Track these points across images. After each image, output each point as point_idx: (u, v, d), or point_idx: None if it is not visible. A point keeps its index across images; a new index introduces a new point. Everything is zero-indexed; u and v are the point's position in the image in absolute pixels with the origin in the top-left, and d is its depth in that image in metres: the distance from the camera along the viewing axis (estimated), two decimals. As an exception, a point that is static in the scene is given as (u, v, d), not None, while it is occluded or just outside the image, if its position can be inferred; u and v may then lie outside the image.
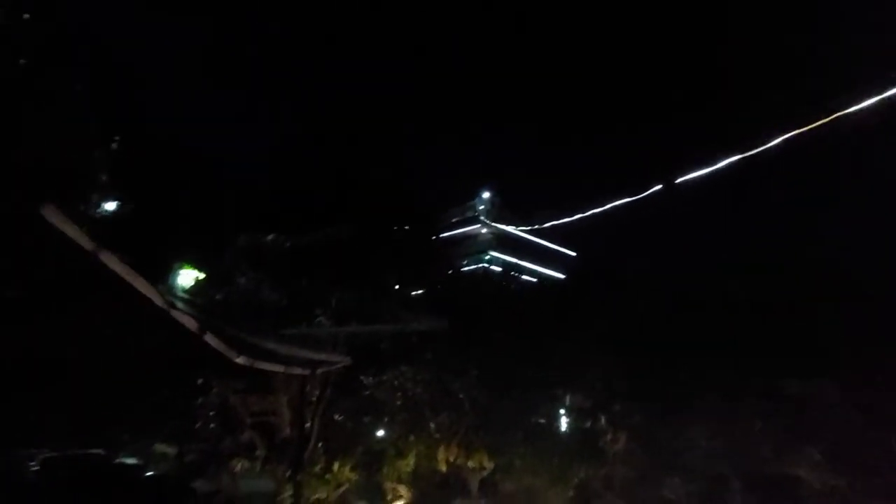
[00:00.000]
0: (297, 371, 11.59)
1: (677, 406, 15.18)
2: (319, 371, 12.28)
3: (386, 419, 16.40)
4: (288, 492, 13.92)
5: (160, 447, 27.53)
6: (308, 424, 13.96)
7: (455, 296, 19.36)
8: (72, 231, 3.99)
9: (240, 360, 7.37)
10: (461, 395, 15.14)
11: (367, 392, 16.66)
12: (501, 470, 15.92)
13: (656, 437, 15.57)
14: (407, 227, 17.27)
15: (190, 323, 5.84)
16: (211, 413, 16.24)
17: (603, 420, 15.78)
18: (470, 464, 14.90)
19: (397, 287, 15.89)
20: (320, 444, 14.39)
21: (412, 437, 14.20)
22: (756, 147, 20.98)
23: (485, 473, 18.18)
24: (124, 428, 23.05)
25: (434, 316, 14.24)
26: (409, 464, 13.80)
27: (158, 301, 5.30)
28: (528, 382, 15.00)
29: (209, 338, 6.21)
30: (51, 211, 3.75)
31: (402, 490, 19.99)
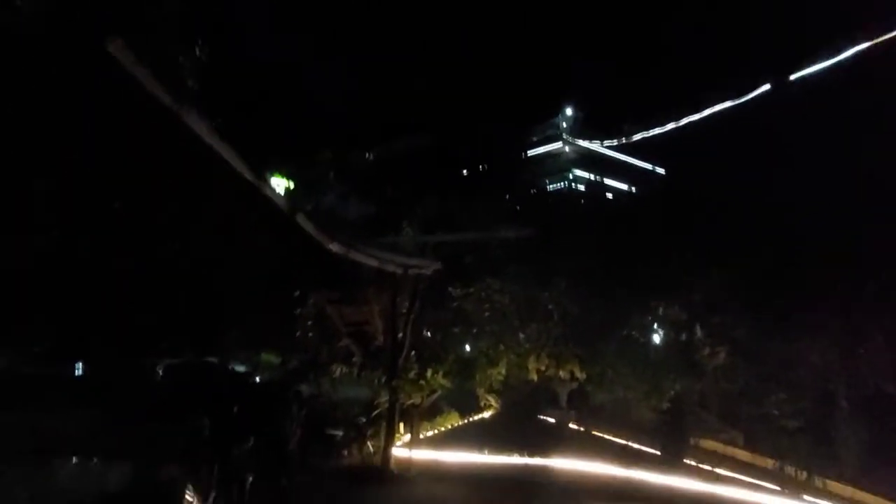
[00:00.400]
0: (391, 268, 11.72)
1: (786, 319, 14.19)
2: (411, 271, 12.34)
3: (474, 330, 16.50)
4: (384, 396, 14.55)
5: (266, 356, 29.79)
6: (400, 334, 14.28)
7: (541, 208, 18.74)
8: (148, 81, 3.80)
9: (333, 246, 7.34)
10: (550, 307, 14.89)
11: (455, 304, 16.76)
12: (593, 381, 15.79)
13: (761, 351, 14.74)
14: (490, 139, 16.63)
15: (279, 199, 5.72)
16: (309, 323, 17.06)
17: (700, 333, 15.10)
18: (561, 374, 14.85)
19: (483, 199, 15.52)
20: (413, 353, 14.77)
21: (502, 347, 14.26)
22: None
23: (574, 385, 18.15)
24: (234, 339, 24.95)
25: (520, 226, 13.85)
26: (500, 372, 13.92)
27: (247, 174, 5.19)
28: (621, 295, 14.47)
29: (301, 220, 6.12)
30: (118, 47, 3.52)
31: (492, 399, 20.49)
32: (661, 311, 15.17)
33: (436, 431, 17.04)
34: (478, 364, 13.87)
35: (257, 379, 26.00)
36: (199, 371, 27.40)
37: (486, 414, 20.95)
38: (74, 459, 6.91)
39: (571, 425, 17.93)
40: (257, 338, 22.82)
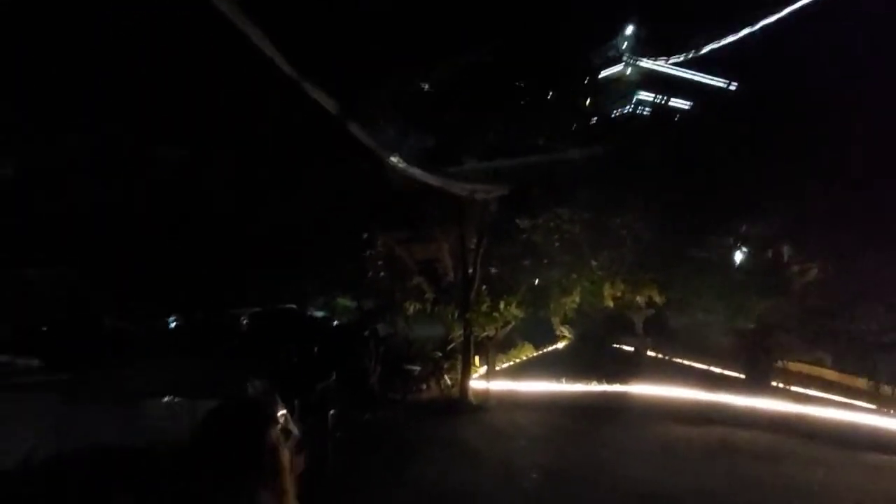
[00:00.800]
0: (455, 189, 11.55)
1: (885, 231, 13.02)
2: (478, 195, 12.12)
3: (545, 262, 16.21)
4: (458, 331, 14.74)
5: (342, 301, 30.89)
6: (470, 269, 14.25)
7: (609, 131, 17.83)
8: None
9: (394, 159, 7.22)
10: (623, 232, 14.33)
11: (524, 236, 16.46)
12: (672, 306, 15.29)
13: (855, 265, 13.70)
14: (550, 60, 15.75)
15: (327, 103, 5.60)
16: (379, 263, 17.39)
17: (788, 249, 14.17)
18: (638, 300, 14.45)
19: (547, 124, 14.88)
20: (484, 287, 14.77)
21: (574, 276, 13.97)
22: None
23: (651, 312, 17.69)
24: (311, 287, 25.89)
25: (589, 147, 13.20)
26: (573, 301, 13.70)
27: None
28: (698, 215, 13.69)
29: (355, 129, 5.98)
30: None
31: (566, 330, 20.40)
32: (743, 228, 14.29)
33: (511, 363, 17.23)
34: (551, 293, 13.68)
35: (335, 322, 27.13)
36: (281, 317, 28.83)
37: (560, 345, 20.94)
38: (167, 399, 7.44)
39: (649, 353, 17.62)
40: (333, 284, 23.64)
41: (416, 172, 9.76)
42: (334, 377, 10.42)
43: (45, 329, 30.44)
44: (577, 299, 13.64)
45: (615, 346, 19.31)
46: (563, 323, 14.06)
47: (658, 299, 13.99)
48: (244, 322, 29.40)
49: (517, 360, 17.70)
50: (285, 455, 1.57)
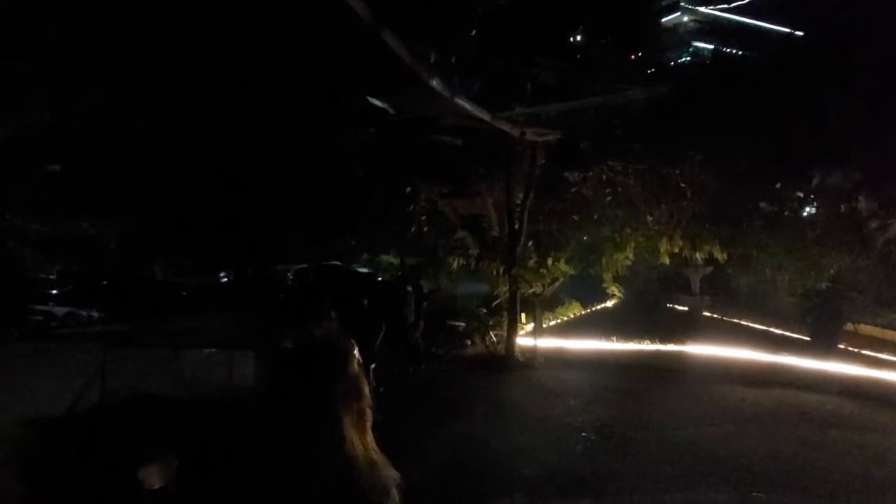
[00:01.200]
0: (505, 127, 10.90)
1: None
2: (529, 136, 11.40)
3: (595, 217, 15.43)
4: (503, 287, 14.24)
5: (386, 257, 30.87)
6: (517, 224, 13.62)
7: (669, 76, 16.60)
8: None
9: (434, 83, 6.59)
10: (682, 184, 13.38)
11: (573, 190, 15.67)
12: (734, 263, 14.32)
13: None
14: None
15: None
16: (423, 218, 16.96)
17: (866, 203, 12.94)
18: (697, 256, 13.57)
19: (602, 70, 13.87)
20: (530, 244, 14.16)
21: (628, 231, 13.19)
22: None
23: (709, 270, 16.76)
24: (355, 244, 25.83)
25: (645, 87, 12.17)
26: (626, 257, 12.94)
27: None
28: (767, 165, 12.59)
29: (388, 37, 5.39)
30: None
31: (616, 289, 19.65)
32: (817, 180, 13.10)
33: (558, 321, 16.69)
34: (603, 248, 12.97)
35: (379, 278, 27.13)
36: (325, 272, 29.05)
37: (609, 303, 20.25)
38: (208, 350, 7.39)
39: (705, 313, 16.75)
40: (377, 240, 23.44)
41: (464, 103, 9.12)
42: (383, 332, 10.12)
43: (104, 283, 31.56)
44: (631, 255, 12.87)
45: (669, 305, 18.48)
46: (614, 281, 13.32)
47: (720, 256, 13.08)
48: (290, 277, 29.88)
49: (564, 319, 17.14)
50: (365, 385, 1.59)
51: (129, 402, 6.20)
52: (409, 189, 17.80)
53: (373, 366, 7.98)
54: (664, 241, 12.65)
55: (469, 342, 13.98)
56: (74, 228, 22.29)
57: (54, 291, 30.49)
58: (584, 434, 8.02)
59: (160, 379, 6.68)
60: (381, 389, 8.32)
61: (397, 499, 1.58)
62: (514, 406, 9.47)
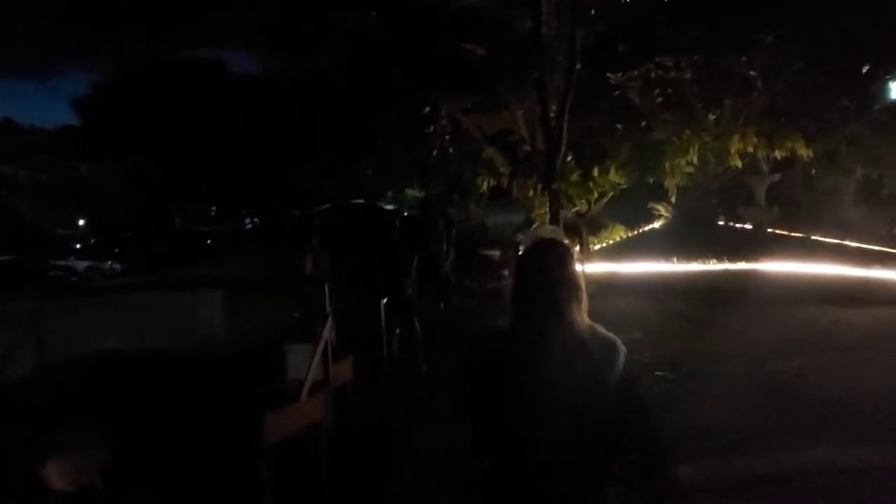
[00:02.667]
0: None
1: None
2: None
3: (643, 124, 13.40)
4: (541, 208, 12.53)
5: (410, 192, 29.28)
6: (553, 135, 11.72)
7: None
8: None
9: None
10: (752, 73, 11.19)
11: (617, 93, 13.63)
12: (820, 162, 12.21)
13: None
14: None
15: None
16: (446, 138, 15.15)
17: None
18: (777, 153, 11.47)
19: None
20: (569, 159, 12.28)
21: (687, 132, 11.19)
22: None
23: (776, 177, 14.67)
24: (375, 173, 24.22)
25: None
26: (689, 161, 10.90)
27: None
28: (858, 40, 10.34)
29: None
30: None
31: (663, 208, 17.69)
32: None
33: (603, 245, 14.95)
34: (665, 150, 10.95)
35: (405, 213, 25.59)
36: (349, 211, 27.66)
37: (657, 224, 18.41)
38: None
39: (773, 228, 14.64)
40: (399, 174, 21.77)
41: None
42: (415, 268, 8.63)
43: (126, 235, 30.83)
44: (695, 159, 10.87)
45: (729, 222, 16.44)
46: (673, 189, 11.32)
47: (805, 152, 11.00)
48: (316, 217, 28.76)
49: (610, 242, 15.38)
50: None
51: (77, 363, 5.03)
52: (428, 108, 15.93)
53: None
54: (735, 139, 10.57)
55: (505, 272, 12.42)
56: (72, 174, 21.15)
57: (77, 245, 30.02)
58: (658, 373, 6.48)
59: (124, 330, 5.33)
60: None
61: None
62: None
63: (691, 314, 8.86)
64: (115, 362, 5.15)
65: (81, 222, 33.03)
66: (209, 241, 31.07)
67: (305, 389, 3.39)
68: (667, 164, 10.73)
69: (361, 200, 28.63)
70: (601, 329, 1.75)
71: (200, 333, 5.86)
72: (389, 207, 29.00)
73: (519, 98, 14.35)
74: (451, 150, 15.18)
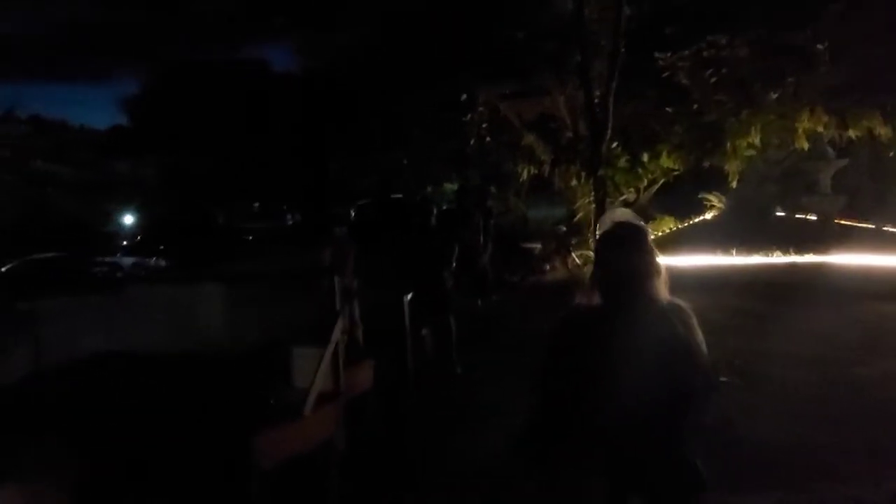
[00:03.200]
0: None
1: None
2: None
3: (695, 107, 12.45)
4: (585, 198, 11.76)
5: (449, 186, 28.75)
6: (598, 118, 10.93)
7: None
8: None
9: None
10: (819, 46, 10.15)
11: (666, 75, 12.72)
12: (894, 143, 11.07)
13: None
14: None
15: None
16: (483, 126, 14.50)
17: None
18: (852, 133, 10.35)
19: None
20: (615, 145, 11.46)
21: (746, 112, 10.24)
22: None
23: (842, 163, 13.48)
24: (410, 164, 23.82)
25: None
26: (751, 142, 9.88)
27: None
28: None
29: None
30: None
31: (714, 198, 16.61)
32: None
33: (652, 237, 14.03)
34: (727, 129, 9.96)
35: (444, 207, 25.02)
36: (387, 205, 27.31)
37: (708, 215, 17.29)
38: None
39: (840, 220, 13.40)
40: (432, 159, 21.23)
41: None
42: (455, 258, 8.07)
43: (167, 232, 31.35)
44: (757, 140, 9.90)
45: (787, 212, 15.25)
46: (735, 177, 10.31)
47: (883, 131, 9.91)
48: (352, 213, 28.62)
49: (659, 234, 14.43)
50: None
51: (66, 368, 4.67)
52: (464, 96, 15.30)
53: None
54: (803, 117, 9.54)
55: (547, 266, 11.75)
56: (112, 170, 21.38)
57: (124, 243, 30.68)
58: (722, 378, 5.73)
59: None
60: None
61: None
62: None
63: (756, 311, 8.01)
64: (102, 367, 4.76)
65: (129, 220, 33.86)
66: (250, 238, 31.33)
67: (310, 401, 2.84)
68: (728, 145, 9.75)
69: (400, 195, 28.32)
70: (676, 300, 1.91)
71: (198, 333, 5.42)
72: (427, 201, 28.50)
73: (561, 83, 13.58)
74: (488, 138, 14.51)
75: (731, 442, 4.13)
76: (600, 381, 1.78)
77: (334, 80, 20.14)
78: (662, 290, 1.87)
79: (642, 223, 1.99)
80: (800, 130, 9.62)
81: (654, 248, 1.91)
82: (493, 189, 16.02)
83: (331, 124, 23.93)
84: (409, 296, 5.18)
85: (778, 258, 10.49)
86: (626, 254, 1.89)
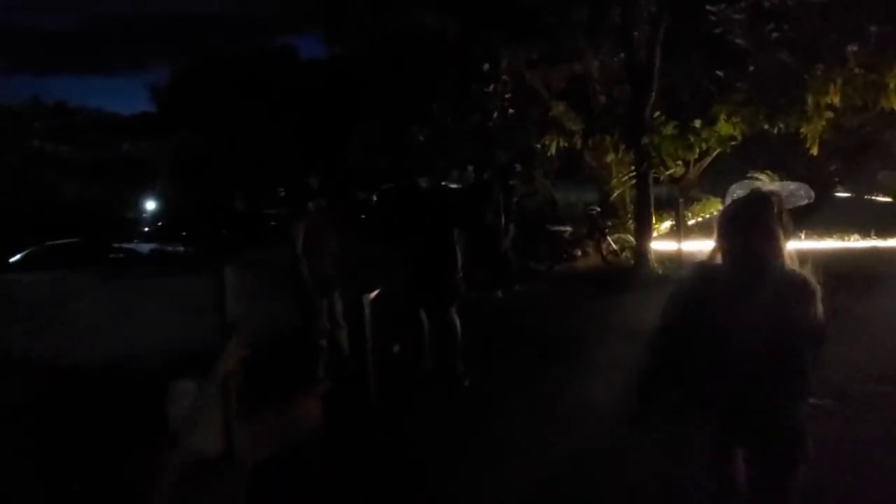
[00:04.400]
0: None
1: None
2: None
3: (751, 69, 10.74)
4: (621, 174, 10.27)
5: (469, 172, 27.36)
6: (641, 77, 9.39)
7: None
8: None
9: None
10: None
11: (717, 31, 11.07)
12: None
13: None
14: None
15: None
16: (506, 97, 13.01)
17: None
18: None
19: None
20: (657, 114, 9.89)
21: (820, 69, 8.54)
22: None
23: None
24: (430, 140, 22.54)
25: None
26: (833, 100, 8.09)
27: None
28: None
29: None
30: None
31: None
32: None
33: (698, 220, 12.43)
34: (809, 84, 8.20)
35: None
36: (408, 190, 25.84)
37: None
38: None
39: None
40: (452, 137, 19.84)
41: None
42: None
43: (185, 218, 30.67)
44: (836, 100, 8.22)
45: (853, 194, 13.42)
46: (814, 142, 8.58)
47: None
48: (374, 198, 27.61)
49: (707, 216, 12.83)
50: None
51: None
52: (486, 66, 13.83)
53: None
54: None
55: (579, 252, 10.31)
56: (114, 149, 20.48)
57: (146, 229, 30.25)
58: (811, 399, 4.28)
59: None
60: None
61: None
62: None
63: (838, 306, 6.44)
64: None
65: (150, 205, 33.47)
66: (273, 224, 30.54)
67: (164, 483, 1.56)
68: (808, 100, 8.06)
69: (424, 180, 27.02)
70: (800, 272, 1.96)
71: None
72: (454, 186, 27.19)
73: (594, 45, 12.02)
74: (511, 110, 13.02)
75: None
76: (719, 333, 1.84)
77: (355, 57, 19.02)
78: (785, 261, 1.91)
79: (772, 193, 1.99)
80: (892, 85, 7.91)
81: (780, 219, 1.90)
82: (518, 168, 14.58)
83: (349, 104, 22.97)
84: (373, 295, 3.84)
85: (860, 241, 8.84)
86: (745, 230, 1.94)
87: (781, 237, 1.90)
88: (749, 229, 1.90)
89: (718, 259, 2.00)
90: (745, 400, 1.83)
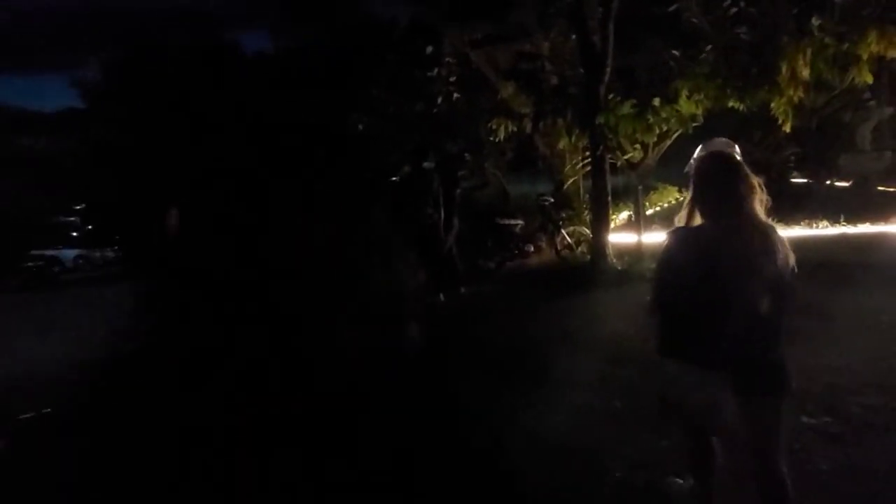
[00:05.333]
0: None
1: None
2: None
3: (709, 47, 10.06)
4: (573, 161, 9.42)
5: (428, 164, 26.33)
6: (595, 53, 8.51)
7: None
8: None
9: None
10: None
11: (672, 9, 10.45)
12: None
13: None
14: None
15: None
16: (451, 80, 12.02)
17: None
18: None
19: None
20: (612, 95, 9.09)
21: (785, 38, 7.87)
22: None
23: (888, 112, 11.22)
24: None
25: None
26: (804, 74, 7.35)
27: None
28: None
29: None
30: None
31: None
32: None
33: (655, 210, 11.74)
34: (783, 51, 7.42)
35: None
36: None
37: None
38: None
39: (882, 186, 11.04)
40: (389, 127, 18.79)
41: None
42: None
43: (118, 221, 28.48)
44: (807, 73, 7.51)
45: (810, 179, 12.98)
46: (787, 117, 7.87)
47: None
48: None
49: (663, 206, 12.20)
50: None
51: None
52: (430, 48, 12.81)
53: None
54: (871, 38, 7.14)
55: (531, 247, 9.41)
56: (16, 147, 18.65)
57: (74, 234, 27.91)
58: (805, 418, 3.46)
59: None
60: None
61: None
62: (630, 356, 4.74)
63: (822, 305, 5.66)
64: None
65: (77, 207, 30.96)
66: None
67: None
68: (783, 69, 7.29)
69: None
70: (771, 222, 2.06)
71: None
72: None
73: (544, 23, 11.15)
74: (456, 95, 12.04)
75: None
76: (714, 288, 1.91)
77: (300, 49, 17.75)
78: (759, 209, 2.00)
79: (734, 148, 2.12)
80: (864, 57, 7.25)
81: (748, 170, 2.02)
82: (467, 157, 13.60)
83: (292, 98, 21.58)
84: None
85: (831, 228, 8.22)
86: (724, 175, 2.03)
87: (756, 186, 2.00)
88: (728, 180, 1.99)
89: (694, 222, 2.11)
90: (745, 340, 1.91)
